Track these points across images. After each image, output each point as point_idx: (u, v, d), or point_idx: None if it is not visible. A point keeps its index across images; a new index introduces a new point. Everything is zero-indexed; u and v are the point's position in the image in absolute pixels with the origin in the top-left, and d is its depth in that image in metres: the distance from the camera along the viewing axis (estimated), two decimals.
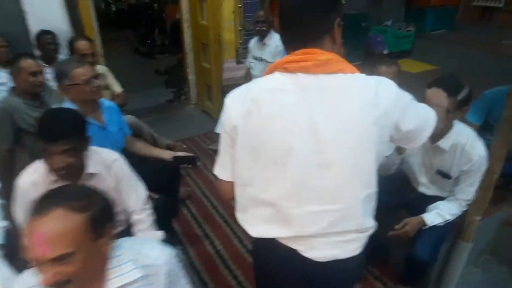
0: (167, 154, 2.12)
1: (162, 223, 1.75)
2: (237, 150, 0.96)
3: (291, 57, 0.90)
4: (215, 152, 3.24)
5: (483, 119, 2.09)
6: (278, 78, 0.91)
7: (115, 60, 6.20)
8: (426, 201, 1.79)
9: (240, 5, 3.85)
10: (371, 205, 1.00)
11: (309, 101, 0.87)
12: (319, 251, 0.99)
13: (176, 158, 2.10)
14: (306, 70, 0.87)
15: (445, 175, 1.70)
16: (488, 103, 2.05)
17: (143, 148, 2.16)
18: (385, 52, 5.46)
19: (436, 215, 1.66)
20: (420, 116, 0.97)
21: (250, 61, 3.43)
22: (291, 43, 0.92)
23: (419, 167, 1.78)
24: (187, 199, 2.75)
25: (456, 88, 1.50)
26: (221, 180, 1.06)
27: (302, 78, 0.88)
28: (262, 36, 3.20)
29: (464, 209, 1.68)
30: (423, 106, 1.01)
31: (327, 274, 1.04)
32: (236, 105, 0.94)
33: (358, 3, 5.26)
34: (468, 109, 1.61)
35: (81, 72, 1.71)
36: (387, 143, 0.96)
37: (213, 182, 2.91)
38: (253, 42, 3.39)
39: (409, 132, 0.95)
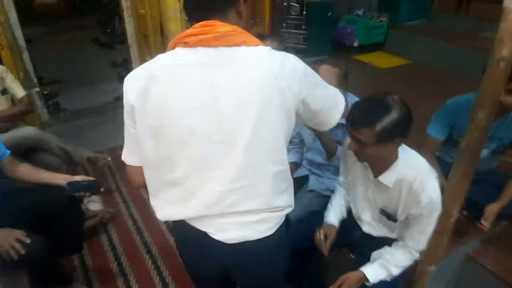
0: (61, 179, 1.70)
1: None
2: (138, 131, 0.92)
3: (191, 30, 0.87)
4: None
5: (447, 133, 1.72)
6: (178, 54, 0.87)
7: (73, 50, 5.66)
8: (373, 241, 1.43)
9: None
10: (285, 183, 0.98)
11: (210, 76, 0.85)
12: (229, 232, 0.97)
13: (70, 184, 1.68)
14: (206, 43, 0.85)
15: (389, 216, 1.33)
16: (451, 115, 1.69)
17: (28, 172, 1.72)
18: (356, 44, 5.08)
19: (380, 268, 1.30)
20: (329, 98, 0.98)
21: None
22: (194, 16, 0.89)
23: (362, 201, 1.41)
24: (108, 222, 2.33)
25: (376, 116, 1.14)
26: (129, 166, 1.01)
27: (202, 52, 0.85)
28: None
29: (416, 259, 1.31)
30: (333, 89, 1.01)
31: (240, 257, 1.01)
32: (133, 83, 0.89)
33: None
34: (401, 141, 1.23)
35: None
36: (296, 118, 0.93)
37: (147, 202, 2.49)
38: None
39: (318, 111, 0.95)
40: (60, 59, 5.23)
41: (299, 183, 1.83)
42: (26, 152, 2.14)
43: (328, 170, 1.77)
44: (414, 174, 1.22)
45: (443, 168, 1.55)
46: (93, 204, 2.38)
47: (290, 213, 1.04)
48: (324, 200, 1.63)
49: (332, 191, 1.60)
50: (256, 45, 0.87)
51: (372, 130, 1.12)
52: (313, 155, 1.82)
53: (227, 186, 0.92)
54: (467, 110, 1.56)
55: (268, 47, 0.88)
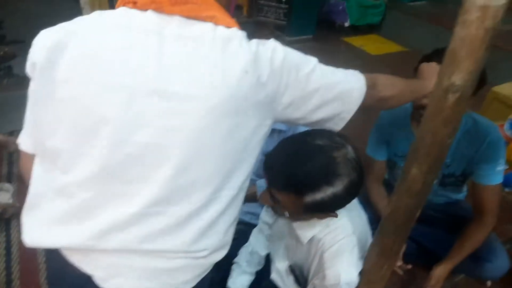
0: None
1: None
2: (35, 100, 0.64)
3: None
4: None
5: (386, 152, 1.34)
6: (120, 14, 0.63)
7: (47, 6, 5.13)
8: None
9: None
10: (226, 218, 0.68)
11: (154, 49, 0.60)
12: (123, 280, 0.64)
13: None
14: (159, 7, 0.62)
15: (296, 277, 0.98)
16: (384, 130, 1.31)
17: None
18: (347, 24, 4.55)
19: None
20: (331, 86, 0.72)
21: None
22: None
23: (279, 242, 1.05)
24: (12, 218, 1.98)
25: (311, 184, 0.74)
26: (23, 153, 0.69)
27: (152, 17, 0.62)
28: None
29: None
30: (340, 71, 0.76)
31: None
32: (47, 35, 0.62)
33: None
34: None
35: None
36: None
37: None
38: None
39: (316, 108, 0.70)
40: (31, 15, 4.72)
41: None
42: None
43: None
44: (332, 242, 0.85)
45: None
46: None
47: None
48: (244, 228, 1.26)
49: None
50: (227, 26, 0.65)
51: (299, 200, 0.75)
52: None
53: (141, 209, 0.62)
54: (402, 122, 1.20)
55: (243, 32, 0.67)
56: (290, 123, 0.74)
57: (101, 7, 3.05)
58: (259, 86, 0.63)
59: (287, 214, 0.82)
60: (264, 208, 1.12)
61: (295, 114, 0.70)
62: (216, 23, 0.64)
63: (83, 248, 0.65)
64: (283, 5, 3.77)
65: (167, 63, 0.60)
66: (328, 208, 0.79)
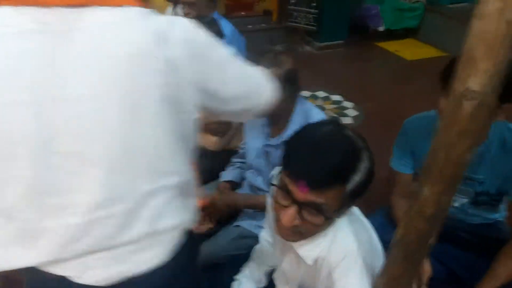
0: None
1: None
2: None
3: None
4: None
5: (413, 165, 1.22)
6: (4, 18, 0.54)
7: None
8: None
9: None
10: (181, 200, 0.68)
11: (42, 54, 0.53)
12: (99, 271, 0.65)
13: None
14: (36, 1, 0.54)
15: None
16: (408, 140, 1.19)
17: None
18: (381, 29, 4.37)
19: None
20: (247, 80, 0.74)
21: None
22: None
23: (281, 267, 0.98)
24: None
25: (349, 168, 0.72)
26: None
27: (31, 14, 0.54)
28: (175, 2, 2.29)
29: None
30: (253, 68, 0.76)
31: None
32: None
33: None
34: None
35: None
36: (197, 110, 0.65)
37: None
38: (169, 11, 2.49)
39: (230, 99, 0.70)
40: None
41: (232, 213, 1.41)
42: None
43: None
44: (338, 260, 0.77)
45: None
46: None
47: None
48: (253, 242, 1.20)
49: None
50: (120, 5, 0.57)
51: (342, 190, 0.69)
52: (253, 175, 1.38)
53: (86, 217, 0.61)
54: (426, 133, 1.05)
55: (145, 9, 0.58)
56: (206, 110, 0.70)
57: None
58: (171, 72, 0.59)
59: (309, 230, 0.74)
60: (265, 226, 1.05)
61: (206, 102, 0.67)
62: (106, 3, 0.57)
63: (47, 262, 0.64)
64: (313, 10, 3.68)
65: (61, 64, 0.54)
66: (362, 192, 0.73)
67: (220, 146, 1.59)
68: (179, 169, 0.67)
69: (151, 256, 0.68)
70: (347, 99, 3.12)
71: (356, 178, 0.70)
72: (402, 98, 3.10)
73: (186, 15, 2.05)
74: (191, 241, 0.76)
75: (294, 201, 0.70)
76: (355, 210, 0.87)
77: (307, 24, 3.81)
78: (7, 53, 0.53)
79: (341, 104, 3.08)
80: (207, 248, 1.28)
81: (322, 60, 3.98)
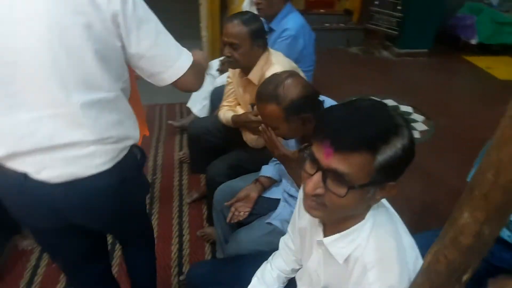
0: None
1: None
2: None
3: None
4: (174, 128, 2.67)
5: None
6: None
7: None
8: None
9: None
10: (115, 114, 0.87)
11: None
12: (52, 169, 0.83)
13: None
14: None
15: None
16: None
17: None
18: (473, 42, 3.95)
19: None
20: (162, 47, 0.88)
21: None
22: None
23: (308, 270, 0.94)
24: None
25: (382, 137, 0.66)
26: None
27: None
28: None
29: None
30: (175, 43, 0.92)
31: (71, 197, 0.87)
32: None
33: None
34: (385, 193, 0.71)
35: None
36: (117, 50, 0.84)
37: None
38: (246, 2, 2.51)
39: (140, 56, 0.86)
40: None
41: (269, 207, 1.38)
42: None
43: None
44: (374, 261, 0.71)
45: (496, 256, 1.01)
46: None
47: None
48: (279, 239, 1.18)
49: None
50: None
51: (371, 162, 0.64)
52: (288, 183, 1.35)
53: (35, 113, 0.79)
54: None
55: None
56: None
57: (214, 3, 3.23)
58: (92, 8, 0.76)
59: (333, 203, 0.68)
60: (296, 212, 0.99)
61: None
62: None
63: (7, 155, 0.81)
64: (397, 14, 3.45)
65: None
66: (396, 171, 0.67)
67: (261, 144, 1.57)
68: (104, 85, 0.83)
69: (97, 162, 0.86)
70: (419, 111, 2.89)
71: (389, 152, 0.63)
72: (485, 120, 2.78)
73: (257, 4, 2.06)
74: (133, 156, 0.95)
75: (319, 168, 0.67)
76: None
77: (388, 28, 3.59)
78: None
79: (411, 116, 2.87)
80: (236, 239, 1.28)
81: (399, 67, 3.74)
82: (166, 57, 0.89)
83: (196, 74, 0.96)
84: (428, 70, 3.75)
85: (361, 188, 0.65)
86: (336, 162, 0.64)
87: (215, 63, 2.68)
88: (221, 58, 2.68)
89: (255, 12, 2.20)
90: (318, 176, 0.67)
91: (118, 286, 1.31)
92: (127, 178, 0.93)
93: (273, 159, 1.47)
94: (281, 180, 1.43)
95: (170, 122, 2.77)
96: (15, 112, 0.78)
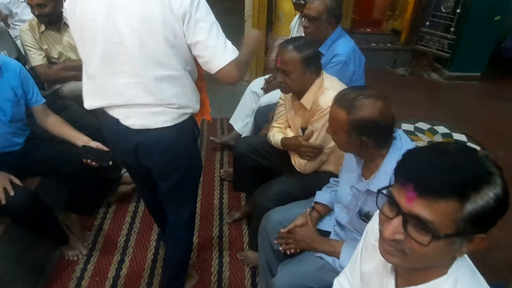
0: (80, 140, 1.67)
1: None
2: (71, 29, 1.20)
3: None
4: (216, 144, 2.67)
5: None
6: None
7: None
8: None
9: None
10: (179, 88, 1.19)
11: None
12: (133, 119, 1.20)
13: (83, 148, 1.63)
14: None
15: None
16: None
17: (55, 124, 1.73)
18: None
19: None
20: (211, 42, 1.13)
21: None
22: None
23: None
24: None
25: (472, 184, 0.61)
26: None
27: None
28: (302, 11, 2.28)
29: None
30: (225, 40, 1.16)
31: (144, 140, 1.23)
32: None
33: None
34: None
35: None
36: (182, 40, 1.13)
37: None
38: (295, 20, 2.50)
39: (194, 46, 1.14)
40: None
41: None
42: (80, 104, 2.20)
43: (354, 238, 1.20)
44: None
45: None
46: None
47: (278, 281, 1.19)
48: (331, 276, 1.10)
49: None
50: None
51: (459, 210, 0.58)
52: (340, 210, 1.28)
53: (126, 81, 1.15)
54: None
55: None
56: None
57: (260, 20, 3.25)
58: (169, 11, 1.08)
59: (414, 251, 0.62)
60: (358, 252, 0.92)
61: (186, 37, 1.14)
62: None
63: (107, 106, 1.22)
64: (449, 36, 3.30)
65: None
66: (487, 222, 0.61)
67: (310, 170, 1.51)
68: (174, 65, 1.15)
69: (163, 120, 1.20)
70: (473, 141, 2.71)
71: (480, 201, 0.57)
72: None
73: (304, 28, 1.98)
74: (191, 125, 1.29)
75: (400, 212, 0.62)
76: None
77: (439, 50, 3.45)
78: None
79: None
80: (284, 272, 1.23)
81: (450, 91, 3.56)
82: (213, 50, 1.14)
83: (237, 69, 1.18)
84: (481, 95, 3.55)
85: (446, 238, 0.59)
86: (419, 208, 0.59)
87: (259, 81, 2.67)
88: (266, 76, 2.69)
89: (303, 33, 2.20)
90: (398, 221, 0.63)
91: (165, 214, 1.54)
92: (182, 138, 1.26)
93: (328, 185, 1.42)
94: (333, 208, 1.37)
95: (212, 138, 2.75)
96: (115, 77, 1.15)
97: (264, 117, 2.24)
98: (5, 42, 2.07)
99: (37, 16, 2.06)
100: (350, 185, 1.17)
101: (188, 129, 1.27)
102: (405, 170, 0.63)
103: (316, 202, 1.37)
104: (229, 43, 1.17)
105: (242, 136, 2.61)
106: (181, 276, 1.57)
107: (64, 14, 1.32)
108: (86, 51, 1.16)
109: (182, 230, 1.49)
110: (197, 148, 1.38)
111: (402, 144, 1.07)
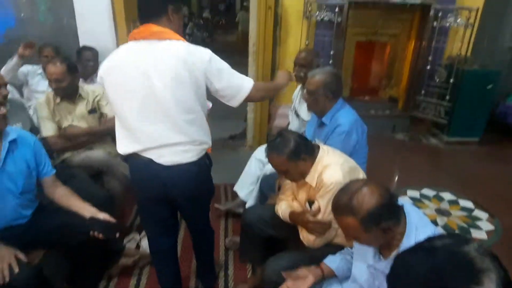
0: (87, 212, 1.66)
1: None
2: (106, 92, 1.47)
3: (136, 30, 1.41)
4: (220, 211, 2.63)
5: None
6: (130, 44, 1.41)
7: None
8: None
9: (307, 42, 3.18)
10: (199, 126, 1.46)
11: (145, 56, 1.36)
12: (166, 157, 1.44)
13: (90, 220, 1.62)
14: (145, 37, 1.38)
15: None
16: None
17: (63, 196, 1.73)
18: None
19: None
20: (232, 82, 1.46)
21: (289, 110, 2.66)
22: (141, 21, 1.43)
23: None
24: (145, 266, 2.17)
25: None
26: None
27: (143, 43, 1.38)
28: (303, 84, 2.42)
29: None
30: (240, 78, 1.48)
31: (174, 175, 1.46)
32: (104, 63, 1.44)
33: (492, 56, 3.80)
34: None
35: None
36: (204, 89, 1.42)
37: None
38: (297, 89, 2.64)
39: (221, 90, 1.44)
40: None
41: None
42: (96, 173, 2.22)
43: None
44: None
45: None
46: (134, 243, 2.28)
47: None
48: None
49: None
50: (177, 40, 1.38)
51: None
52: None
53: (160, 126, 1.40)
54: None
55: (186, 42, 1.39)
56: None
57: (265, 60, 3.35)
58: (193, 68, 1.35)
59: None
60: None
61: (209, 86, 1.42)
62: (171, 39, 1.37)
63: (142, 150, 1.43)
64: (445, 103, 3.45)
65: (151, 57, 1.34)
66: None
67: (319, 245, 1.49)
68: (195, 109, 1.41)
69: (188, 155, 1.45)
70: (481, 207, 2.68)
71: None
72: None
73: (305, 100, 2.05)
74: (206, 158, 1.54)
75: None
76: None
77: (435, 116, 3.57)
78: (135, 54, 1.36)
79: (472, 213, 2.65)
80: None
81: (451, 156, 3.61)
82: (234, 89, 1.45)
83: (259, 92, 1.52)
84: (481, 159, 3.59)
85: None
86: None
87: (264, 149, 2.71)
88: None
89: (304, 103, 2.31)
90: None
91: (178, 264, 1.84)
92: (203, 170, 1.52)
93: (341, 251, 1.38)
94: (338, 275, 1.31)
95: (216, 205, 2.71)
96: (150, 125, 1.40)
97: (269, 185, 2.25)
98: (21, 114, 2.15)
99: (54, 90, 2.17)
100: (366, 263, 1.14)
101: (205, 160, 1.53)
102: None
103: (324, 263, 1.35)
104: (243, 76, 1.47)
105: (247, 203, 2.59)
106: (213, 265, 1.98)
107: (98, 80, 1.45)
108: (122, 108, 1.40)
109: (205, 233, 1.84)
110: (210, 174, 1.62)
111: (411, 218, 1.07)
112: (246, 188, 2.63)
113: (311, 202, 1.51)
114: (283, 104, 3.39)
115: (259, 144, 3.43)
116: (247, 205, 2.57)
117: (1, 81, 1.90)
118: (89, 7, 3.02)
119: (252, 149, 3.91)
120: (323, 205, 1.43)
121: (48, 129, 2.20)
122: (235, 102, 1.46)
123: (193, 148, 1.44)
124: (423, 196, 2.79)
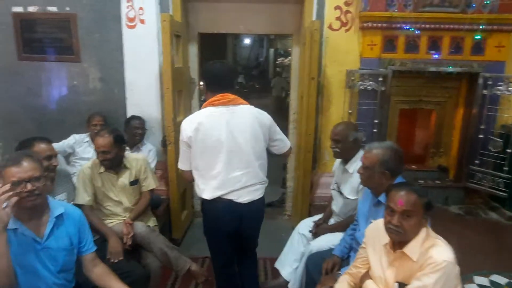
0: None
1: None
2: (192, 150, 1.89)
3: (215, 97, 1.89)
4: None
5: None
6: (210, 109, 1.89)
7: None
8: None
9: (350, 111, 3.13)
10: (265, 168, 2.00)
11: (227, 119, 1.85)
12: (244, 197, 1.90)
13: None
14: (224, 104, 1.88)
15: None
16: None
17: (101, 276, 1.64)
18: None
19: None
20: (282, 137, 2.07)
21: (331, 187, 2.49)
22: (217, 91, 1.91)
23: None
24: None
25: None
26: (183, 170, 2.01)
27: (222, 108, 1.87)
28: (344, 159, 2.30)
29: None
30: (284, 138, 2.09)
31: (250, 210, 1.93)
32: (189, 125, 1.88)
33: None
34: None
35: (12, 172, 1.39)
36: (267, 141, 1.99)
37: None
38: (337, 164, 2.50)
39: (276, 141, 2.03)
40: None
41: None
42: (132, 246, 2.14)
43: None
44: None
45: None
46: None
47: None
48: None
49: None
50: (247, 104, 1.95)
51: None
52: None
53: (242, 172, 1.88)
54: None
55: (253, 106, 1.99)
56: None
57: (306, 159, 3.31)
58: (262, 125, 1.95)
59: None
60: None
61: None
62: (243, 104, 1.93)
63: (225, 193, 1.88)
64: (503, 174, 3.16)
65: (232, 120, 1.87)
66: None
67: None
68: (264, 156, 1.98)
69: (258, 193, 1.97)
70: None
71: None
72: None
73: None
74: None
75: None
76: None
77: (493, 188, 3.26)
78: (216, 119, 1.86)
79: None
80: None
81: None
82: (283, 142, 2.07)
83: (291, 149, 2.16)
84: None
85: None
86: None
87: (308, 223, 2.51)
88: (315, 218, 2.56)
89: (345, 177, 2.21)
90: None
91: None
92: (264, 203, 2.05)
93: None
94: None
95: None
96: (233, 172, 1.86)
97: (316, 266, 2.05)
98: (66, 185, 2.16)
99: (100, 162, 2.20)
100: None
101: (264, 198, 2.03)
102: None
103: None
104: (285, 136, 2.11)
105: (289, 283, 2.37)
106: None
107: (186, 141, 1.87)
108: (209, 160, 1.86)
109: (254, 256, 2.27)
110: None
111: None
112: (289, 266, 2.44)
113: (402, 284, 1.33)
114: (326, 172, 3.26)
115: (301, 213, 3.26)
116: (290, 286, 2.36)
117: (52, 152, 1.97)
118: (139, 80, 3.18)
119: (292, 218, 3.74)
120: (427, 285, 1.27)
121: (82, 198, 2.20)
122: (281, 151, 2.07)
123: (261, 186, 1.97)
124: (493, 283, 2.43)
